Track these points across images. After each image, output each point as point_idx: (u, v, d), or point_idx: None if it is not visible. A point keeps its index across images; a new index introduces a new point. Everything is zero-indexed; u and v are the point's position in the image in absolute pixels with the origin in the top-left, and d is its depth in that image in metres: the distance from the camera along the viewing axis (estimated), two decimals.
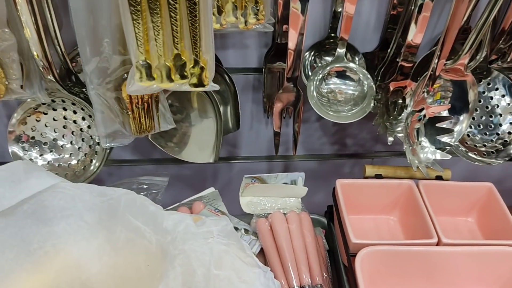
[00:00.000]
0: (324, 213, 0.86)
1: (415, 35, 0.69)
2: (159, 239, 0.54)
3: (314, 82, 0.77)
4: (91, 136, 0.72)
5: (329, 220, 0.81)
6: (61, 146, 0.72)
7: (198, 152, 0.80)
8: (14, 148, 0.70)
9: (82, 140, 0.72)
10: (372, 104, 0.78)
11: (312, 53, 0.82)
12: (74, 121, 0.71)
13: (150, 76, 0.53)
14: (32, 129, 0.70)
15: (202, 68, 0.53)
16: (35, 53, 0.61)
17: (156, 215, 0.55)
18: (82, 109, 0.70)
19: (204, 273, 0.49)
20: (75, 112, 0.70)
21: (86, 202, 0.58)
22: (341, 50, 0.77)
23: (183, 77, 0.53)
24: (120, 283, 0.52)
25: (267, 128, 0.98)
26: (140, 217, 0.56)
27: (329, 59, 0.81)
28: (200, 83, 0.53)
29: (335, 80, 0.78)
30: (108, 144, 0.68)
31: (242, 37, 0.83)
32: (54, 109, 0.69)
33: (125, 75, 0.66)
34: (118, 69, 0.65)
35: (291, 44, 0.66)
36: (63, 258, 0.55)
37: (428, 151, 0.73)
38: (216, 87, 0.56)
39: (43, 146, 0.71)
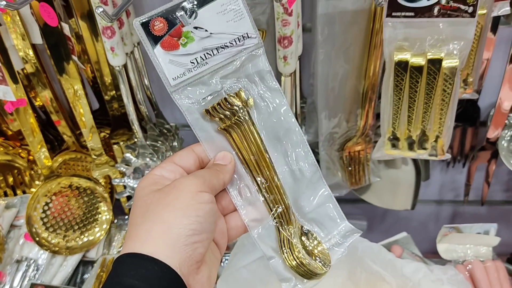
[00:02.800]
0: (506, 260, 0.91)
1: None
2: (399, 283, 0.64)
3: (506, 138, 0.84)
4: None
5: None
6: None
7: (391, 198, 0.90)
8: None
9: None
10: None
11: None
12: None
13: (395, 147, 0.64)
14: None
15: (439, 141, 0.63)
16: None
17: (394, 262, 0.66)
18: None
19: None
20: None
21: None
22: None
23: (423, 148, 0.64)
24: None
25: (440, 174, 1.06)
26: (379, 262, 0.67)
27: None
28: (437, 154, 0.64)
29: None
30: None
31: None
32: None
33: (347, 139, 0.78)
34: (343, 135, 0.78)
35: (506, 104, 0.74)
36: None
37: None
38: (449, 156, 0.65)
39: None
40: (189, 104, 0.46)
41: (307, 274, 0.47)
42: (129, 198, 0.86)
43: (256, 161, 0.47)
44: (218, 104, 0.47)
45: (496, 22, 0.75)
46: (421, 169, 0.87)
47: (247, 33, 0.48)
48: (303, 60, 0.88)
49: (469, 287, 0.64)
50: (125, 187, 0.85)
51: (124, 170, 0.84)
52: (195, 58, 0.46)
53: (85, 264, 0.90)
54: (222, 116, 0.46)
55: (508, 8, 0.72)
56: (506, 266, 0.88)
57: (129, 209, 0.91)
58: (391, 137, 0.63)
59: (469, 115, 0.92)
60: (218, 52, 0.47)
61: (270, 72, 0.49)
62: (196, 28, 0.46)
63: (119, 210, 0.95)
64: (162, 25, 0.44)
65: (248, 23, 0.47)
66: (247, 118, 0.47)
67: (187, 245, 0.38)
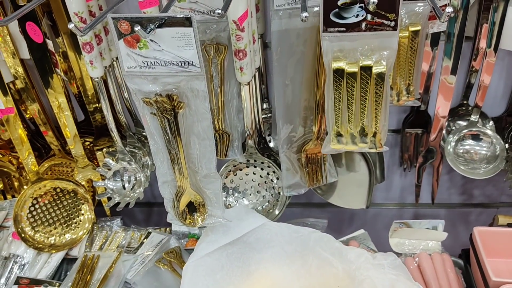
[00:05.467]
0: (458, 256, 0.98)
1: None
2: (345, 267, 0.72)
3: (451, 144, 0.93)
4: (273, 187, 0.93)
5: (466, 262, 0.93)
6: (250, 194, 0.94)
7: (350, 199, 0.99)
8: None
9: (266, 190, 0.93)
10: (504, 163, 0.91)
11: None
12: (261, 176, 0.93)
13: (340, 142, 0.73)
14: (231, 181, 0.93)
15: (377, 136, 0.72)
16: (246, 125, 0.84)
17: (340, 249, 0.74)
18: (268, 166, 0.92)
19: None
20: (262, 169, 0.92)
21: (285, 237, 0.78)
22: (475, 116, 0.92)
23: (364, 143, 0.72)
24: None
25: (400, 178, 1.14)
26: (328, 250, 0.75)
27: (462, 123, 0.96)
28: (376, 147, 0.72)
29: (470, 141, 0.93)
30: (289, 193, 0.89)
31: None
32: (248, 166, 0.92)
33: (305, 142, 0.87)
34: (301, 138, 0.87)
35: (441, 110, 0.83)
36: (272, 278, 0.75)
37: None
38: (386, 148, 0.74)
39: (237, 194, 0.94)
40: (135, 88, 0.61)
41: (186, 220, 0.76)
42: (109, 199, 0.93)
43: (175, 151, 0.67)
44: (155, 101, 0.60)
45: (436, 38, 0.85)
46: (375, 170, 0.95)
47: (192, 61, 0.59)
48: (271, 72, 0.97)
49: (406, 270, 0.71)
50: (105, 189, 0.93)
51: (104, 173, 0.92)
52: (146, 61, 0.57)
53: (68, 262, 0.97)
54: (156, 107, 0.58)
55: (445, 24, 0.81)
56: (455, 260, 0.96)
57: (110, 209, 0.99)
58: (336, 134, 0.72)
59: (420, 122, 1.01)
60: (165, 65, 0.58)
61: (205, 97, 0.63)
62: (152, 41, 0.56)
63: (101, 213, 1.02)
64: (127, 27, 0.55)
65: (195, 54, 0.58)
66: (172, 119, 0.64)
67: None
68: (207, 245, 0.75)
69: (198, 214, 0.74)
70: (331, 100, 0.70)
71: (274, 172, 0.92)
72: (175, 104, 0.63)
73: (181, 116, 0.65)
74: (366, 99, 0.68)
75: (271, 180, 0.93)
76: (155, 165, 0.73)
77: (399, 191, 1.17)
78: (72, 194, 0.97)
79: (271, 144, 0.97)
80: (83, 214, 0.97)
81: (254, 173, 0.93)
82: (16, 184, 1.03)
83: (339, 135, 0.72)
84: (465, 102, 0.96)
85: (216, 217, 0.74)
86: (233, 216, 0.78)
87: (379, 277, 0.68)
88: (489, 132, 0.91)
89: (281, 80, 0.80)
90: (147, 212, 1.24)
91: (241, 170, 0.93)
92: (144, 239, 0.96)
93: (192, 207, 0.75)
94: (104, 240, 0.96)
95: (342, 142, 0.72)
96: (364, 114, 0.69)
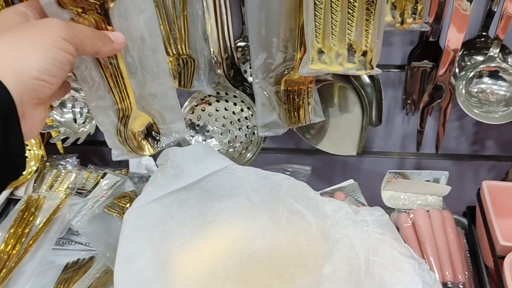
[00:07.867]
0: (462, 214, 0.85)
1: None
2: (319, 223, 0.59)
3: (464, 81, 0.77)
4: (247, 126, 0.79)
5: (470, 221, 0.80)
6: (221, 134, 0.80)
7: (340, 144, 0.84)
8: None
9: (239, 129, 0.79)
10: None
11: (461, 52, 0.81)
12: (233, 112, 0.79)
13: (322, 61, 0.58)
14: (198, 117, 0.79)
15: (368, 55, 0.56)
16: (212, 50, 0.69)
17: (316, 201, 0.61)
18: (242, 101, 0.77)
19: (365, 257, 0.53)
20: (235, 104, 0.78)
21: (252, 183, 0.65)
22: (495, 50, 0.75)
23: (351, 63, 0.57)
24: (284, 258, 0.58)
25: (402, 124, 0.99)
26: (301, 201, 0.62)
27: (478, 58, 0.80)
28: (366, 68, 0.57)
29: (486, 79, 0.77)
30: (264, 133, 0.75)
31: (387, 35, 0.84)
32: (218, 101, 0.78)
33: (285, 71, 0.72)
34: (280, 66, 0.71)
35: (452, 42, 0.67)
36: (232, 231, 0.63)
37: None
38: (379, 71, 0.59)
39: (205, 133, 0.80)
40: None
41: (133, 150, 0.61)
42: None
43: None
44: None
45: None
46: (370, 111, 0.81)
47: None
48: None
49: (394, 228, 0.58)
50: (53, 120, 0.80)
51: None
52: None
53: (16, 203, 0.85)
54: (75, 10, 0.42)
55: None
56: (458, 219, 0.83)
57: (62, 142, 0.86)
58: (317, 51, 0.57)
59: (430, 56, 0.84)
60: None
61: None
62: None
63: (52, 149, 0.90)
64: None
65: None
66: (102, 19, 0.48)
67: (36, 79, 0.38)
68: (155, 189, 0.62)
69: (151, 139, 0.61)
70: (311, 7, 0.54)
71: (248, 108, 0.77)
72: None
73: (113, 14, 0.49)
74: (354, 6, 0.52)
75: (245, 117, 0.78)
76: (86, 86, 0.57)
77: (401, 139, 1.02)
78: None
79: (250, 79, 0.82)
80: (29, 150, 0.85)
81: (226, 109, 0.79)
82: None
83: (320, 52, 0.57)
84: (484, 33, 0.80)
85: (176, 132, 0.61)
86: (190, 156, 0.64)
87: (358, 236, 0.55)
88: (510, 69, 0.75)
89: None
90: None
91: (210, 104, 0.78)
92: (100, 179, 0.84)
93: (143, 134, 0.60)
94: (54, 180, 0.84)
95: (324, 61, 0.57)
96: (352, 26, 0.53)
